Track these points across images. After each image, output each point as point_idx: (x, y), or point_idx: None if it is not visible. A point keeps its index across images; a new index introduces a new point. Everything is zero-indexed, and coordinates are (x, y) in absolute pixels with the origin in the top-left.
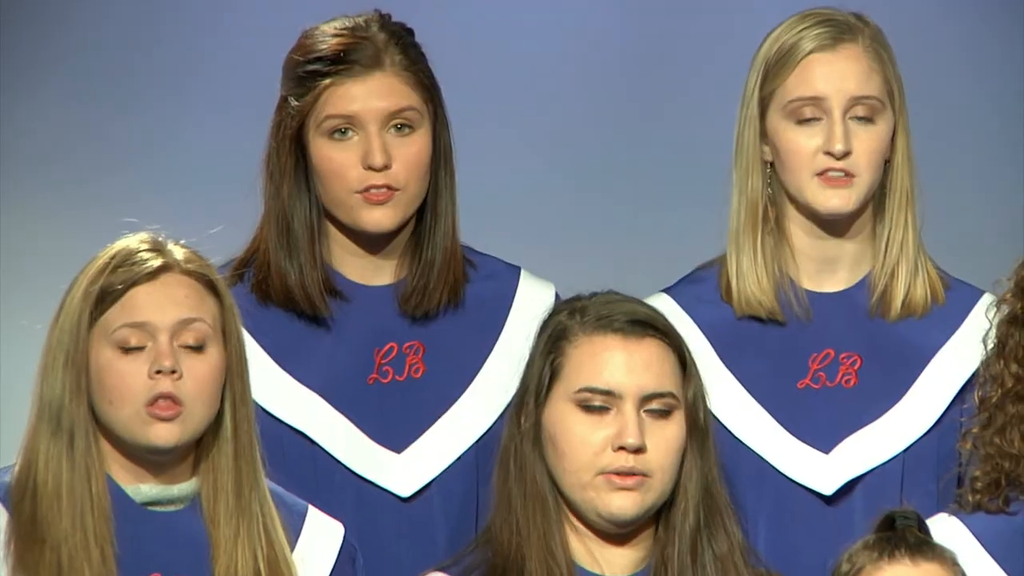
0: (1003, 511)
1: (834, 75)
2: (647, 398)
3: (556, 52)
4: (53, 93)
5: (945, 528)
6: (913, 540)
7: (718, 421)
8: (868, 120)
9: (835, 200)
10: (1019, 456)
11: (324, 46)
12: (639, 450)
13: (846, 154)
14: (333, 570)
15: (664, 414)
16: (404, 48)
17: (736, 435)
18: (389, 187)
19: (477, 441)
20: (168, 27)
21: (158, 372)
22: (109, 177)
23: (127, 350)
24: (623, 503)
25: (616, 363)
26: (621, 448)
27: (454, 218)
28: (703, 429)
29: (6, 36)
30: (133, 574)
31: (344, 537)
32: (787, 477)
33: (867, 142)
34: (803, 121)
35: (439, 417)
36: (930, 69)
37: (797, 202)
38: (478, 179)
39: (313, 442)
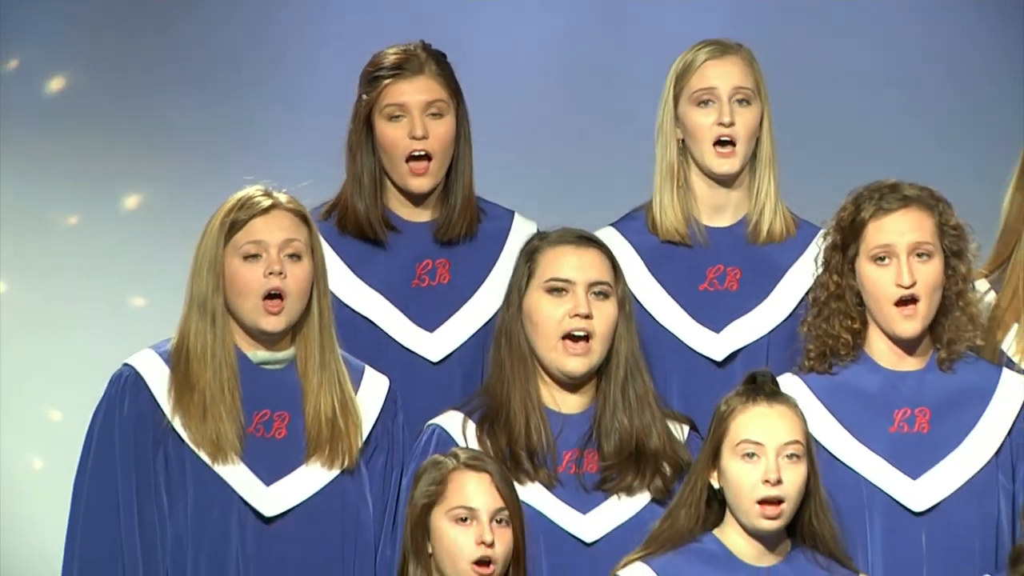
0: (827, 372)
1: (722, 73)
2: (592, 284)
3: (541, 62)
4: (200, 95)
5: (790, 383)
6: (769, 390)
7: (643, 309)
8: (746, 102)
9: (725, 165)
10: (837, 336)
11: (387, 61)
12: (588, 317)
13: (731, 124)
14: (383, 407)
15: (604, 296)
16: (437, 62)
17: (657, 320)
18: (426, 154)
19: (483, 325)
20: (284, 41)
21: (270, 273)
22: (237, 152)
23: (249, 259)
24: (576, 363)
25: (571, 262)
26: (576, 315)
27: (471, 178)
28: (628, 313)
29: (161, 50)
30: (251, 410)
31: (389, 386)
32: (691, 348)
33: (745, 117)
34: (702, 103)
35: (458, 309)
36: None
37: (699, 165)
38: (488, 150)
39: (373, 324)
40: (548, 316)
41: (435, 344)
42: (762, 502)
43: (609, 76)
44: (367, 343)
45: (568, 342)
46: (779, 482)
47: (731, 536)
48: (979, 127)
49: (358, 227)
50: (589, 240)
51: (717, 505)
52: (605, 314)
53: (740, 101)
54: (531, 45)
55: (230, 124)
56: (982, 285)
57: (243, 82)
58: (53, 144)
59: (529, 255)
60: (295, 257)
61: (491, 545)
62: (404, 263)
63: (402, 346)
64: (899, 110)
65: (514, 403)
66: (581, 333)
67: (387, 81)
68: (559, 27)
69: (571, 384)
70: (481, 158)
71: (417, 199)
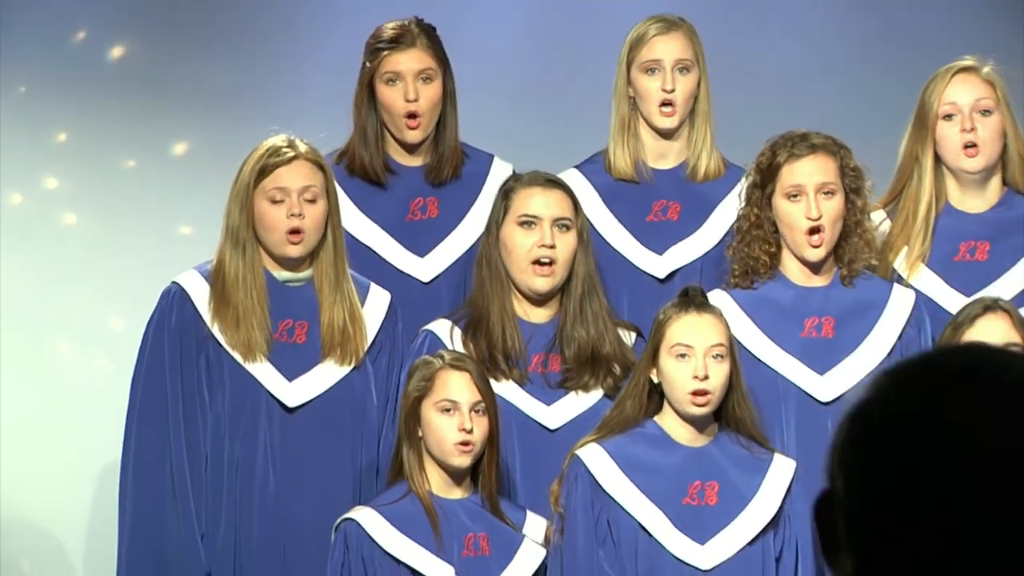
0: (749, 288)
1: (667, 46)
2: (556, 220)
3: (523, 30)
4: (233, 59)
5: (719, 297)
6: (698, 302)
7: (599, 236)
8: (686, 70)
9: (667, 122)
10: (757, 258)
11: (385, 34)
12: (552, 247)
13: (673, 90)
14: (385, 316)
15: (566, 229)
16: (428, 35)
17: (611, 245)
18: (417, 114)
19: (466, 251)
20: (304, 14)
21: (292, 215)
22: (265, 107)
23: (275, 202)
24: (542, 283)
25: (539, 201)
26: (543, 246)
27: (456, 131)
28: (586, 241)
29: (201, 21)
30: (276, 319)
31: (391, 300)
32: (638, 268)
33: (684, 84)
34: (649, 71)
35: (445, 238)
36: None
37: (647, 120)
38: (475, 104)
39: (375, 251)
40: (520, 245)
41: (425, 267)
42: (693, 393)
43: (576, 44)
44: (370, 267)
45: (536, 266)
46: (706, 378)
47: (668, 422)
48: (884, 83)
49: (363, 171)
50: (554, 182)
51: (657, 397)
52: (566, 244)
53: (681, 70)
54: (515, 18)
55: (259, 83)
56: (878, 215)
57: (270, 48)
58: (115, 101)
59: (505, 194)
60: (312, 201)
61: (470, 432)
62: (400, 201)
63: (398, 269)
64: (818, 68)
65: (493, 314)
66: (547, 260)
67: (385, 52)
68: (535, 3)
69: (539, 299)
70: (469, 110)
71: (411, 148)
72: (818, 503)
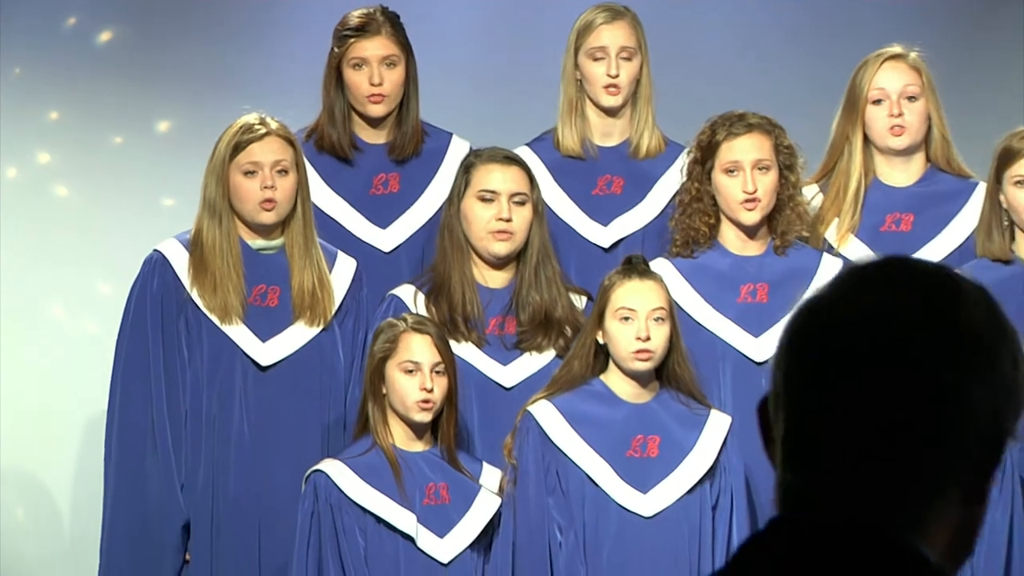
0: (690, 257)
1: (612, 35)
2: (513, 194)
3: (482, 17)
4: (213, 43)
5: (662, 265)
6: (641, 269)
7: (550, 209)
8: (629, 58)
9: (611, 101)
10: (697, 229)
11: (352, 22)
12: (509, 220)
13: (617, 75)
14: (351, 282)
15: (522, 203)
16: (392, 23)
17: (560, 216)
18: (382, 95)
19: (425, 223)
20: (279, 7)
21: (264, 187)
22: (240, 88)
23: (248, 175)
24: (501, 247)
25: (497, 177)
26: (500, 219)
27: (417, 112)
28: (540, 213)
29: (183, 7)
30: (250, 284)
31: (356, 266)
32: (585, 238)
33: (627, 69)
34: (596, 58)
35: (406, 210)
36: None
37: (593, 101)
38: (438, 84)
39: (339, 223)
40: (479, 218)
41: (387, 238)
42: (636, 352)
43: (527, 31)
44: (335, 238)
45: (494, 235)
46: (648, 339)
47: (614, 380)
48: (815, 67)
49: (330, 148)
50: (512, 159)
51: (603, 357)
52: (522, 216)
53: (624, 57)
54: (473, 7)
55: (236, 66)
56: (811, 190)
57: (246, 34)
58: (103, 82)
59: (466, 169)
60: (283, 172)
61: (431, 391)
62: (364, 176)
63: (361, 240)
64: (754, 54)
65: (453, 280)
66: (504, 232)
67: (352, 39)
68: None
69: (496, 265)
70: (430, 92)
71: (375, 123)
72: (761, 402)
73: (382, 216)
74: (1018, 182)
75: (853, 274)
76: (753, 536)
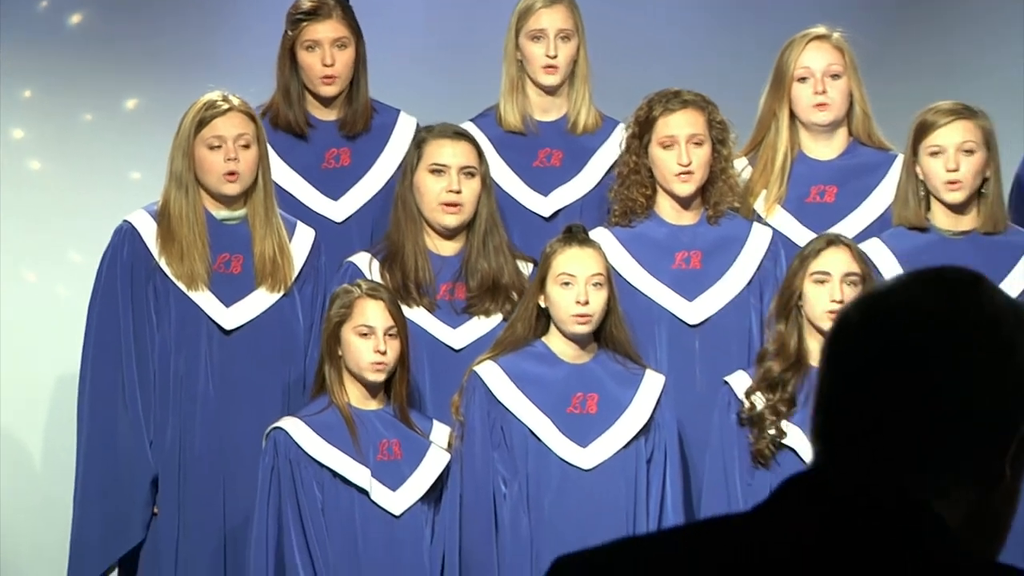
0: (628, 226)
1: (550, 18)
2: (463, 168)
3: (417, 11)
4: (178, 25)
5: (601, 235)
6: (580, 237)
7: (494, 181)
8: (567, 38)
9: (550, 80)
10: (635, 200)
11: (305, 7)
12: (459, 192)
13: (555, 56)
14: (310, 250)
15: (471, 175)
16: (342, 7)
17: (503, 188)
18: (333, 75)
19: (374, 195)
20: None
21: (228, 159)
22: (204, 68)
23: (212, 148)
24: (451, 219)
25: (448, 151)
26: (451, 191)
27: (367, 90)
28: (488, 186)
29: None
30: (215, 253)
31: (315, 236)
32: (527, 208)
33: (565, 50)
34: (535, 39)
35: (356, 183)
36: None
37: (533, 80)
38: (388, 62)
39: (293, 195)
40: (431, 190)
41: (338, 209)
42: (575, 315)
43: (470, 14)
44: (290, 209)
45: (445, 205)
46: (587, 303)
47: (555, 342)
48: (745, 47)
49: (285, 125)
50: (461, 135)
51: (544, 320)
52: (471, 189)
53: (563, 38)
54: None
55: (198, 46)
56: (741, 163)
57: (209, 17)
58: (74, 62)
59: (419, 144)
60: (246, 146)
61: (384, 353)
62: (317, 151)
63: (314, 211)
64: (688, 34)
65: (406, 249)
66: (454, 203)
67: (304, 23)
68: None
69: (447, 235)
70: (380, 70)
71: (327, 102)
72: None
73: (334, 188)
74: (933, 153)
75: (911, 278)
76: (781, 486)
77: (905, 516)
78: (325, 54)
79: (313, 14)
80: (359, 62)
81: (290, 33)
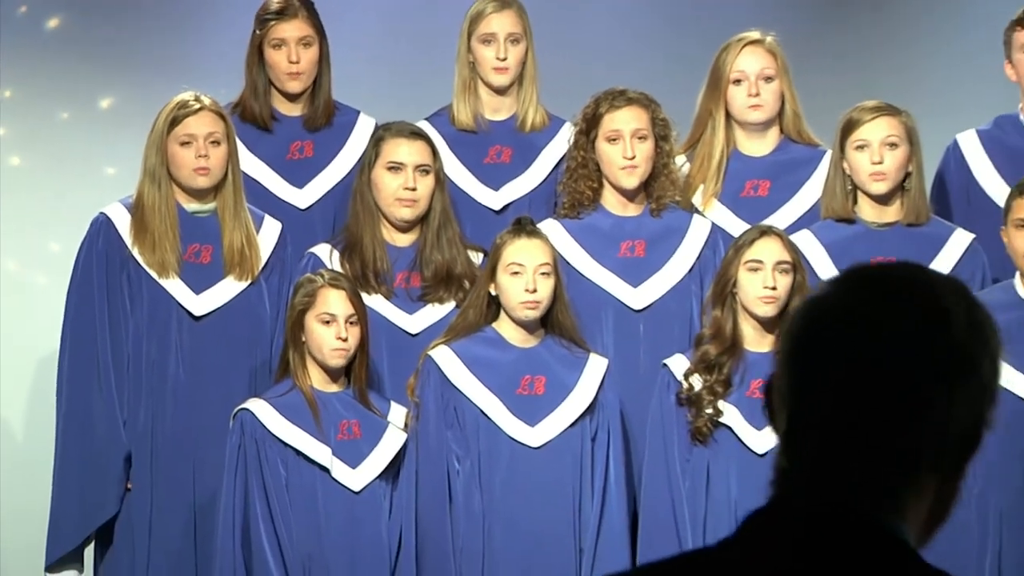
0: (576, 218)
1: (500, 22)
2: (418, 165)
3: (388, 6)
4: (151, 29)
5: (550, 226)
6: (529, 228)
7: (448, 177)
8: (516, 41)
9: (500, 81)
10: (583, 192)
11: (272, 7)
12: (414, 189)
13: (505, 58)
14: (276, 242)
15: (426, 172)
16: (308, 8)
17: (456, 184)
18: (299, 72)
19: (335, 186)
20: None
21: (199, 156)
22: (177, 69)
23: (184, 145)
24: (406, 212)
25: (404, 149)
26: (406, 188)
27: (329, 88)
28: (442, 181)
29: None
30: (186, 243)
31: (281, 228)
32: (478, 202)
33: (514, 52)
34: (486, 42)
35: (319, 173)
36: None
37: (484, 81)
38: (349, 65)
39: (261, 184)
40: (387, 186)
41: (302, 197)
42: (524, 303)
43: (426, 19)
44: (258, 197)
45: (401, 201)
46: (535, 290)
47: (504, 327)
48: (686, 49)
49: (252, 119)
50: (417, 134)
51: (495, 307)
52: (426, 185)
53: (512, 41)
54: None
55: (170, 49)
56: (681, 159)
57: (178, 20)
58: (51, 64)
59: (377, 142)
60: (216, 143)
61: (345, 339)
62: (283, 143)
63: (280, 198)
64: (632, 37)
65: (365, 240)
66: (409, 199)
67: (272, 23)
68: None
69: (403, 227)
70: (342, 71)
71: (292, 99)
72: (766, 387)
73: (298, 177)
74: (858, 147)
75: (853, 281)
76: (749, 517)
77: (875, 543)
78: (291, 52)
79: (280, 14)
80: (323, 60)
81: (258, 32)
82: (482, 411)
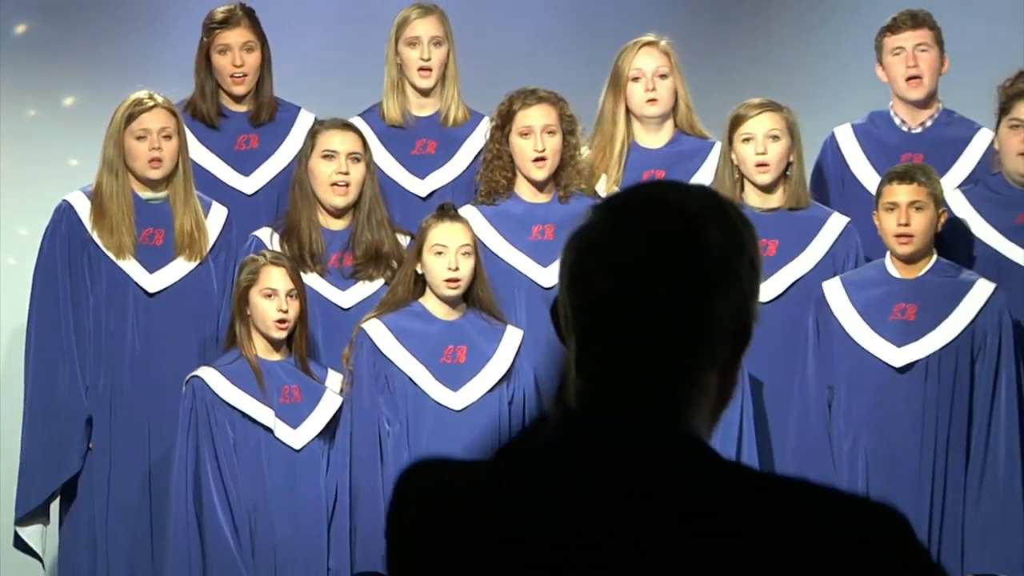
0: (492, 204)
1: (424, 27)
2: (350, 153)
3: (328, 12)
4: (110, 33)
5: (470, 212)
6: (451, 213)
7: (377, 166)
8: (439, 45)
9: (424, 82)
10: (498, 182)
11: (217, 16)
12: (346, 174)
13: (429, 59)
14: (223, 225)
15: (357, 160)
16: (249, 16)
17: (386, 173)
18: (243, 75)
19: (278, 173)
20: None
21: (152, 148)
22: (132, 71)
23: (139, 139)
24: (339, 200)
25: (336, 140)
26: (339, 173)
27: (271, 87)
28: (372, 170)
29: (86, 5)
30: (140, 228)
31: (228, 213)
32: (407, 190)
33: (437, 55)
34: (411, 45)
35: (264, 162)
36: None
37: (410, 81)
38: (290, 66)
39: (211, 173)
40: (322, 173)
41: (249, 183)
42: (447, 280)
43: (359, 23)
44: (208, 184)
45: (334, 187)
46: (457, 269)
47: (430, 302)
48: (591, 51)
49: (202, 117)
50: (349, 126)
51: (421, 284)
52: (358, 172)
53: (435, 44)
54: (317, 4)
55: (127, 52)
56: (586, 151)
57: (135, 26)
58: (19, 65)
59: (313, 135)
60: (168, 137)
61: (286, 312)
62: (230, 136)
63: (228, 185)
64: (543, 40)
65: (302, 224)
66: (342, 183)
67: (217, 30)
68: None
69: (337, 212)
70: (283, 69)
71: (237, 99)
72: (552, 306)
73: (245, 166)
74: (744, 140)
75: (615, 206)
76: (552, 429)
77: (672, 441)
78: (235, 56)
79: (224, 23)
80: (264, 63)
81: (205, 39)
82: (410, 378)
